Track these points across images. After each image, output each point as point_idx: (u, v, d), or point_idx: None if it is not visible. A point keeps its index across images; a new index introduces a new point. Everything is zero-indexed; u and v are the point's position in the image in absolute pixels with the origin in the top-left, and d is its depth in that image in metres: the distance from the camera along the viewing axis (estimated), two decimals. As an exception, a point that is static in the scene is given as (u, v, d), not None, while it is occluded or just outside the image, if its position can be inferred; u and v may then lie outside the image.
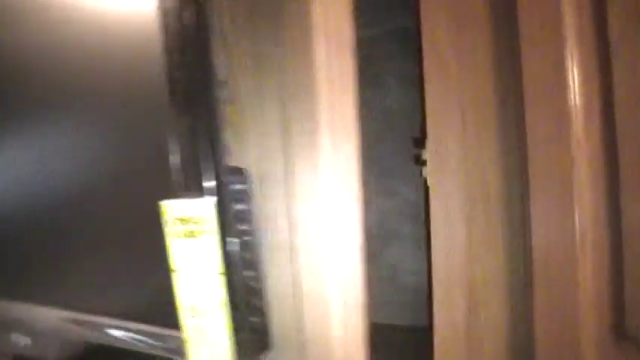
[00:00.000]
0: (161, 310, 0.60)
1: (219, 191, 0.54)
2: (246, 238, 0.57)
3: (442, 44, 0.56)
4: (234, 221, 0.56)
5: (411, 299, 0.98)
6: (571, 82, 0.48)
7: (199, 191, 0.53)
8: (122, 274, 0.64)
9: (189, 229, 0.55)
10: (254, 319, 0.58)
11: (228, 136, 0.58)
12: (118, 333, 0.64)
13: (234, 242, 0.55)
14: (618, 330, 0.48)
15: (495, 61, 0.53)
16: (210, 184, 0.54)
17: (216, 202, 0.53)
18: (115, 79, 0.60)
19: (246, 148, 0.59)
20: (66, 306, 0.71)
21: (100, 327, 0.66)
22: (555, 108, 0.49)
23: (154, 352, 0.62)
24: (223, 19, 0.59)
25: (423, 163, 0.57)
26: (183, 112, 0.53)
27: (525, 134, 0.50)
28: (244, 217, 0.57)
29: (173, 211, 0.55)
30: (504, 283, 0.53)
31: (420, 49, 0.58)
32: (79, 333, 0.68)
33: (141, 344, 0.63)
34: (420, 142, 0.57)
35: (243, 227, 0.57)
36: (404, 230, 0.99)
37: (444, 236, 0.56)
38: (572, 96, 0.49)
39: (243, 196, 0.58)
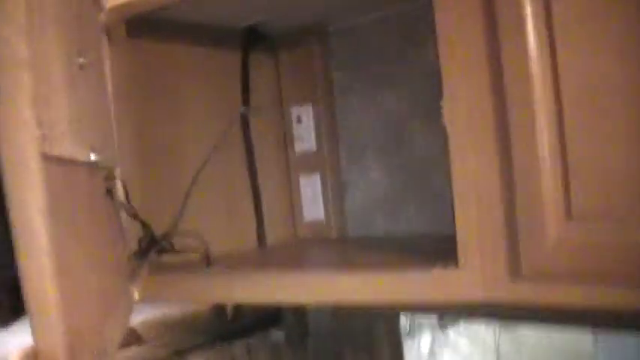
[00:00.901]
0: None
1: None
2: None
3: (452, 32, 0.84)
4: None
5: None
6: (532, 65, 0.77)
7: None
8: None
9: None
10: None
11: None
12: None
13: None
14: (567, 212, 0.77)
15: (488, 47, 0.82)
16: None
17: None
18: None
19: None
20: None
21: None
22: (523, 78, 0.77)
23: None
24: None
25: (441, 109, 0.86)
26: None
27: (506, 94, 0.79)
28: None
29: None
30: (499, 185, 0.83)
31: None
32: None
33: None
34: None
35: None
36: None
37: (459, 159, 0.85)
38: (533, 67, 0.77)
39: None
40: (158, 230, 1.20)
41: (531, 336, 2.85)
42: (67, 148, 0.81)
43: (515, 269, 0.82)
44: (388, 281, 0.92)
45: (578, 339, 2.60)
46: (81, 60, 0.92)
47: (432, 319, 2.93)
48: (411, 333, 2.71)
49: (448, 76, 0.85)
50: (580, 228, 0.77)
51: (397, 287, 0.92)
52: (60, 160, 0.76)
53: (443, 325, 3.02)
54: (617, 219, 0.74)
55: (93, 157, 0.93)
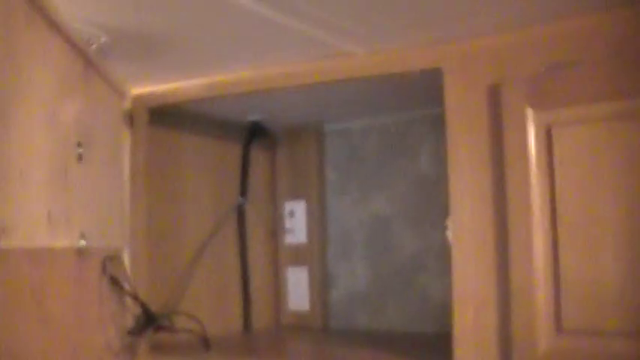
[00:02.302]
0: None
1: None
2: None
3: (460, 145, 0.95)
4: None
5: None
6: (533, 193, 0.87)
7: None
8: None
9: None
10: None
11: None
12: None
13: None
14: (558, 325, 0.86)
15: (494, 175, 0.92)
16: None
17: None
18: None
19: None
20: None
21: None
22: (525, 203, 0.88)
23: None
24: None
25: (447, 227, 0.95)
26: None
27: (507, 217, 0.89)
28: None
29: None
30: (495, 296, 0.92)
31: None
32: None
33: None
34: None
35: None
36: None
37: (460, 271, 0.94)
38: (534, 196, 0.88)
39: None
40: (157, 309, 1.24)
41: None
42: (40, 238, 0.83)
43: (507, 376, 0.91)
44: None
45: None
46: (80, 151, 0.97)
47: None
48: None
49: (455, 196, 0.96)
50: (570, 340, 0.86)
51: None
52: (27, 251, 0.79)
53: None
54: (605, 333, 0.84)
55: (83, 242, 0.98)
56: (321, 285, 1.59)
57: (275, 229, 1.65)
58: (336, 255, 1.60)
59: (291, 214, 1.62)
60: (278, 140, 1.66)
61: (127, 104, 1.25)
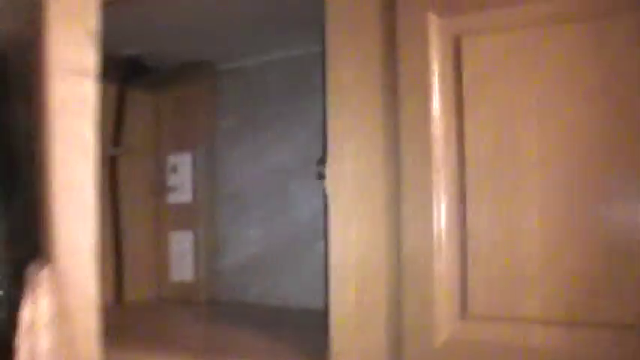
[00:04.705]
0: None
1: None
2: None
3: (343, 66, 0.71)
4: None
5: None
6: (434, 127, 0.64)
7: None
8: None
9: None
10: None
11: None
12: None
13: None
14: (463, 309, 0.64)
15: (384, 101, 0.69)
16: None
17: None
18: None
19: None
20: None
21: None
22: (423, 142, 0.65)
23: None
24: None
25: (324, 176, 0.72)
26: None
27: (400, 158, 0.66)
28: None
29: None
30: (385, 272, 0.69)
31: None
32: None
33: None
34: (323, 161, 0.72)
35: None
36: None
37: (339, 233, 0.71)
38: (435, 132, 0.65)
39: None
40: None
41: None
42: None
43: (396, 371, 0.68)
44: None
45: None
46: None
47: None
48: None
49: (335, 133, 0.72)
50: (477, 328, 0.64)
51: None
52: None
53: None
54: (521, 319, 0.62)
55: None
56: (209, 252, 1.35)
57: (156, 187, 1.39)
58: (226, 217, 1.36)
59: (174, 169, 1.37)
60: (162, 82, 1.39)
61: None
